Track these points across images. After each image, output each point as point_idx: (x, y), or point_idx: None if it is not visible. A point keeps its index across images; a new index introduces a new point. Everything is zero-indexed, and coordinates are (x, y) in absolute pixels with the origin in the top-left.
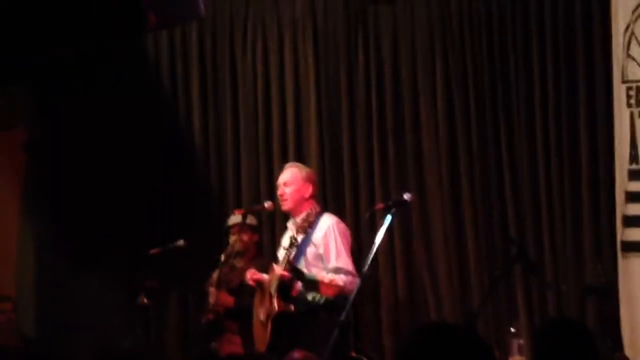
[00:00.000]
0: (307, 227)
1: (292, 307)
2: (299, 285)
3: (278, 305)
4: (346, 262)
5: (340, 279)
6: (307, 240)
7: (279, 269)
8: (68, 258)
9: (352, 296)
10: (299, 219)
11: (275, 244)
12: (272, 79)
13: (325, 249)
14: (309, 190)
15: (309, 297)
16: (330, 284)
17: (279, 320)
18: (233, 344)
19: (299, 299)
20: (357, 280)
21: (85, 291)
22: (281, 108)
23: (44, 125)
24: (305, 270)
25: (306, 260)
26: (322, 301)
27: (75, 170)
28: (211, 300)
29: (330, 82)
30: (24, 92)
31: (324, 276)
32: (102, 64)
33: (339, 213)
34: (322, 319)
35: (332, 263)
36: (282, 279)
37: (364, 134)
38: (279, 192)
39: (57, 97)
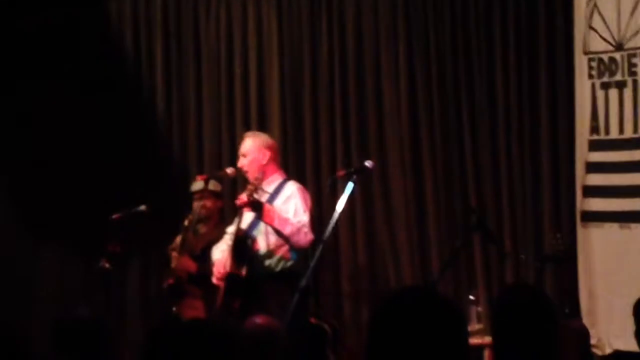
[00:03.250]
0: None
1: (244, 272)
2: (257, 245)
3: (230, 266)
4: (303, 218)
5: (298, 222)
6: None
7: (242, 197)
8: (28, 222)
9: (312, 262)
10: (263, 186)
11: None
12: (236, 46)
13: (287, 210)
14: (266, 155)
15: (266, 262)
16: (287, 221)
17: (230, 281)
18: (195, 309)
19: (255, 262)
20: (311, 236)
21: (46, 256)
22: (244, 75)
23: (2, 90)
24: (260, 238)
25: (266, 226)
26: (278, 268)
27: (36, 136)
28: (173, 265)
29: (294, 49)
30: None
31: (282, 212)
32: (66, 31)
33: (301, 180)
34: (277, 285)
35: (291, 217)
36: (238, 236)
37: (326, 102)
38: (239, 164)
39: (17, 64)
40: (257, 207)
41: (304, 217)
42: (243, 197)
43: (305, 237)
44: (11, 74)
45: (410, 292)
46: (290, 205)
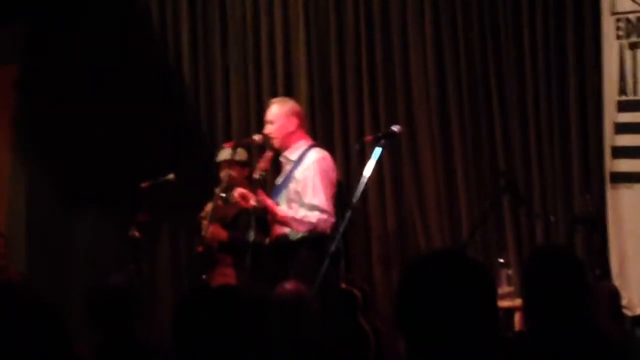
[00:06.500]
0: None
1: (267, 240)
2: (279, 212)
3: (254, 235)
4: (321, 201)
5: (314, 217)
6: (290, 175)
7: (252, 200)
8: (59, 193)
9: (341, 227)
10: (288, 153)
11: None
12: (262, 11)
13: (303, 186)
14: (293, 123)
15: (286, 229)
16: (302, 221)
17: (256, 251)
18: (226, 277)
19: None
20: (332, 220)
21: (76, 226)
22: (270, 40)
23: (35, 62)
24: (283, 206)
25: (288, 194)
26: (297, 237)
27: (66, 106)
28: (203, 233)
29: (320, 14)
30: (15, 29)
31: (297, 211)
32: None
33: (329, 145)
34: (303, 253)
35: (308, 199)
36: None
37: (353, 67)
38: (265, 131)
39: (48, 35)
40: (260, 212)
41: (321, 201)
42: (250, 200)
43: (324, 224)
44: (40, 44)
45: (437, 255)
46: (308, 184)
